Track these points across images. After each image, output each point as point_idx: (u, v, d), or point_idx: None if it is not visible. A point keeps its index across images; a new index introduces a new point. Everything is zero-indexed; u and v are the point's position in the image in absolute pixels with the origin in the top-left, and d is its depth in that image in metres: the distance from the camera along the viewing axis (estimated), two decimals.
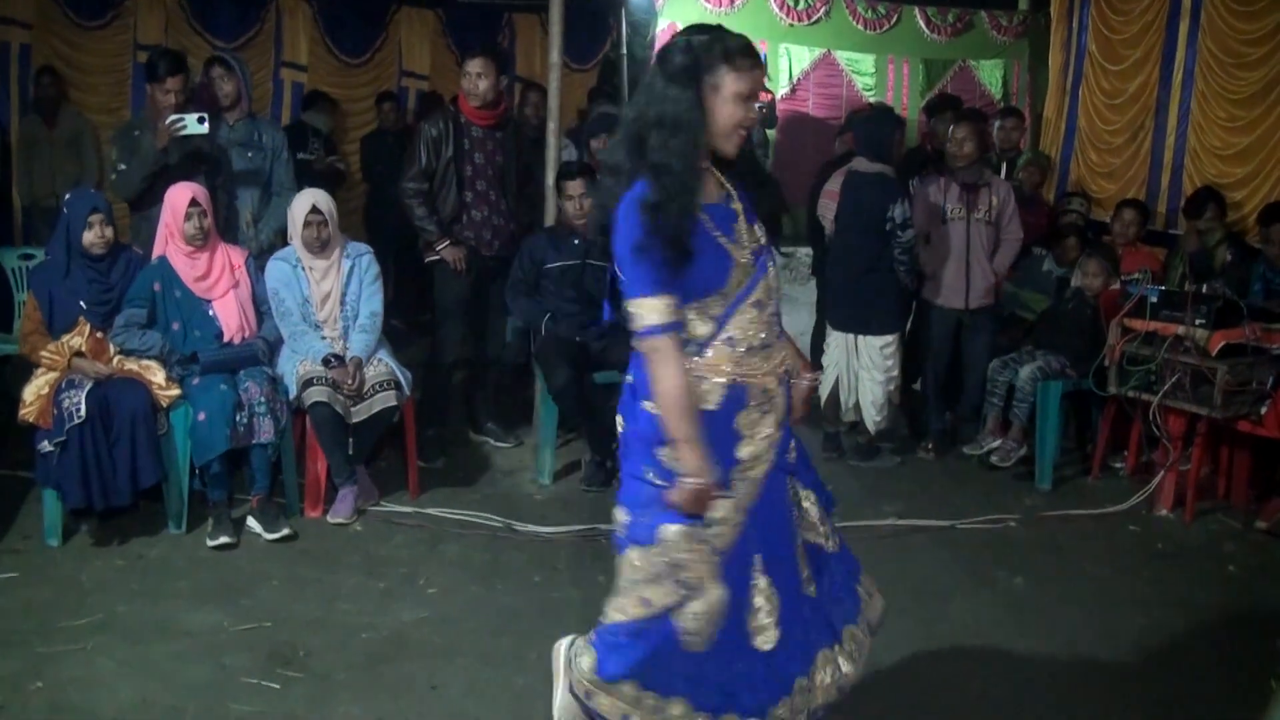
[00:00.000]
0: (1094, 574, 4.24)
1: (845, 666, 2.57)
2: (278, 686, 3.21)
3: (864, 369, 5.31)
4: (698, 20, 10.41)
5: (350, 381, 4.39)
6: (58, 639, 3.41)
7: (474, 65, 5.00)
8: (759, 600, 2.45)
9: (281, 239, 4.88)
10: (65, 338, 4.19)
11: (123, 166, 4.73)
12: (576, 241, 5.04)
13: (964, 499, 4.99)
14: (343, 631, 3.55)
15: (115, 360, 4.22)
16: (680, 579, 2.38)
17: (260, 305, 4.55)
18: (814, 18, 9.88)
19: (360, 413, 4.44)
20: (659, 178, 2.30)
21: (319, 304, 4.59)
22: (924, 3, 10.23)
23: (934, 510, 4.80)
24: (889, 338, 5.29)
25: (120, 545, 4.14)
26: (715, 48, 2.34)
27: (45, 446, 4.00)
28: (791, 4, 9.83)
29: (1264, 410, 4.56)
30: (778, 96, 10.07)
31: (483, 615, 3.71)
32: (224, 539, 4.14)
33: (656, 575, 2.39)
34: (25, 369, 4.33)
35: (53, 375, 4.11)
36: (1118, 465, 5.42)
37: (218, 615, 3.62)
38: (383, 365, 4.56)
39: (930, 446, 5.60)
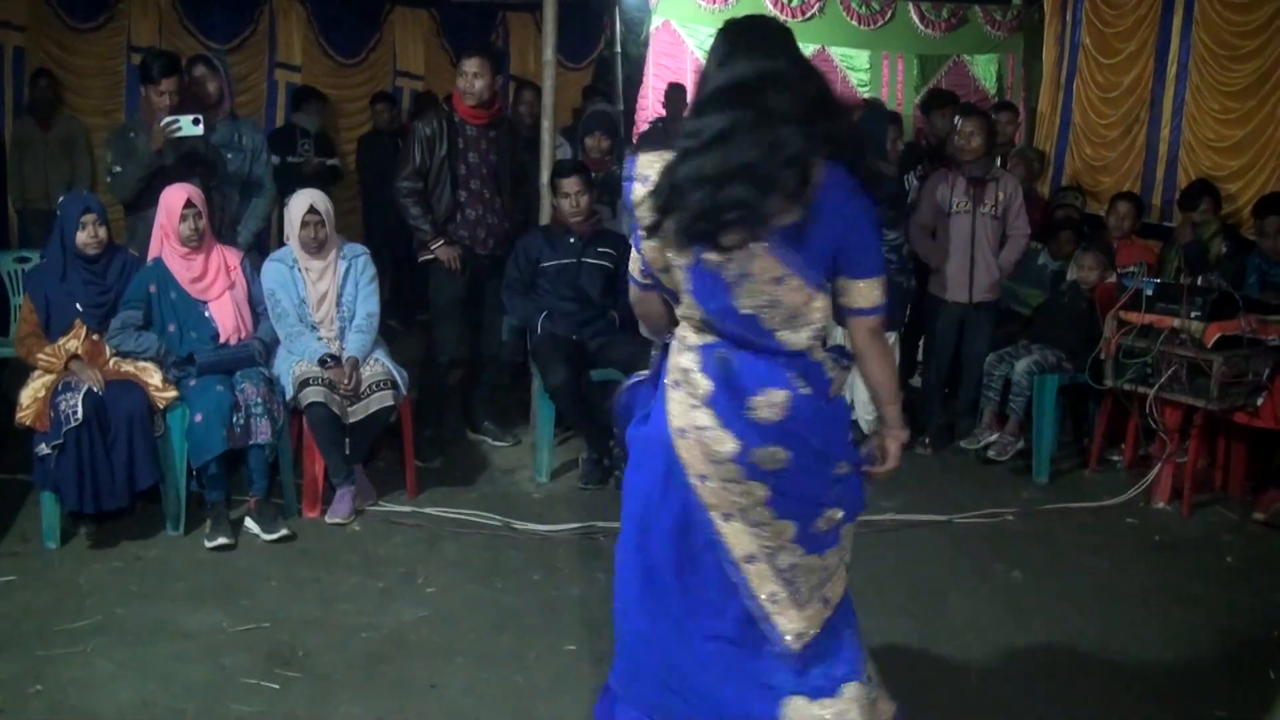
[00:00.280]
0: (1091, 567, 4.25)
1: None
2: (277, 687, 3.21)
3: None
4: (692, 18, 10.45)
5: (347, 382, 4.39)
6: (57, 641, 3.40)
7: (470, 65, 4.99)
8: None
9: (259, 240, 4.88)
10: (62, 340, 4.19)
11: (118, 169, 4.73)
12: (572, 240, 5.04)
13: (961, 493, 4.99)
14: (342, 631, 3.55)
15: (112, 362, 4.22)
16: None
17: (256, 306, 4.55)
18: (808, 14, 9.86)
19: (357, 413, 4.44)
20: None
21: (315, 305, 4.59)
22: None
23: (931, 505, 4.80)
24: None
25: (118, 547, 4.13)
26: None
27: (42, 449, 4.00)
28: (785, 0, 9.82)
29: (1260, 402, 4.57)
30: None
31: (482, 614, 3.71)
32: (222, 540, 4.14)
33: None
34: (22, 372, 4.33)
35: (49, 378, 4.11)
36: (1115, 458, 5.43)
37: (216, 616, 3.62)
38: (379, 365, 4.56)
39: (928, 442, 5.61)
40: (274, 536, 4.22)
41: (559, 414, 5.06)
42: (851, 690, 2.40)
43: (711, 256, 2.25)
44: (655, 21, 9.65)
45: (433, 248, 5.04)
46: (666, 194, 2.24)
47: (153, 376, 4.21)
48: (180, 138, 4.57)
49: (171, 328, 4.33)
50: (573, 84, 9.17)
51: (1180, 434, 4.86)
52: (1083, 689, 3.33)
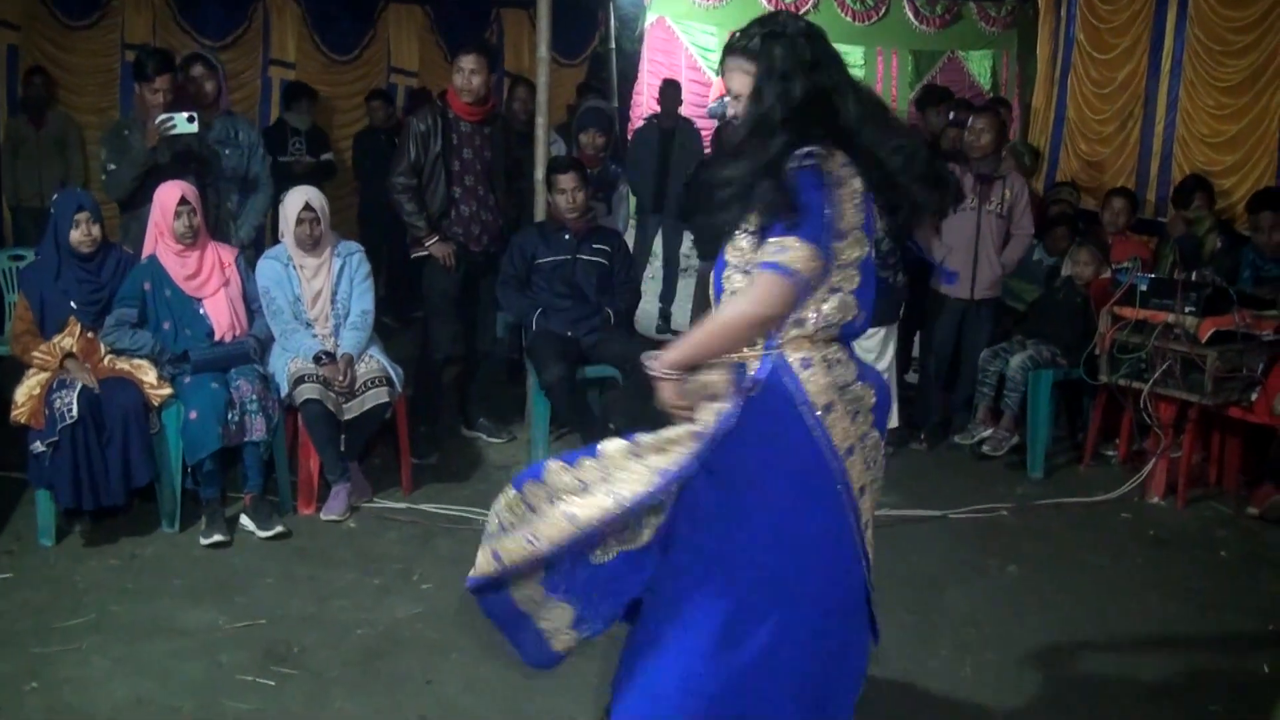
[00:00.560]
0: (1087, 561, 4.26)
1: None
2: (273, 684, 3.21)
3: None
4: (686, 15, 10.41)
5: (341, 378, 4.39)
6: (52, 639, 3.40)
7: (468, 61, 4.98)
8: None
9: (259, 235, 4.87)
10: (56, 338, 4.18)
11: (113, 167, 4.72)
12: (567, 236, 5.04)
13: (957, 488, 5.00)
14: (337, 628, 3.55)
15: (106, 360, 4.22)
16: None
17: (251, 303, 4.54)
18: (802, 10, 9.87)
19: (352, 410, 4.44)
20: None
21: (310, 302, 4.58)
22: None
23: (927, 500, 4.81)
24: (873, 330, 5.27)
25: (114, 545, 4.13)
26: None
27: (37, 447, 3.99)
28: None
29: (1254, 396, 4.58)
30: None
31: (477, 610, 3.68)
32: (217, 537, 4.14)
33: None
34: (16, 370, 4.33)
35: (44, 376, 4.10)
36: (1109, 453, 5.44)
37: (212, 613, 3.62)
38: (374, 362, 4.56)
39: (924, 437, 5.61)
40: (269, 533, 4.21)
41: (554, 410, 5.06)
42: None
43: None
44: (650, 18, 9.67)
45: (427, 244, 5.03)
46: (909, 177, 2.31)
47: (148, 374, 4.20)
48: (175, 135, 4.56)
49: (166, 325, 4.33)
50: (567, 80, 9.15)
51: (1175, 429, 4.87)
52: (1078, 683, 3.34)
